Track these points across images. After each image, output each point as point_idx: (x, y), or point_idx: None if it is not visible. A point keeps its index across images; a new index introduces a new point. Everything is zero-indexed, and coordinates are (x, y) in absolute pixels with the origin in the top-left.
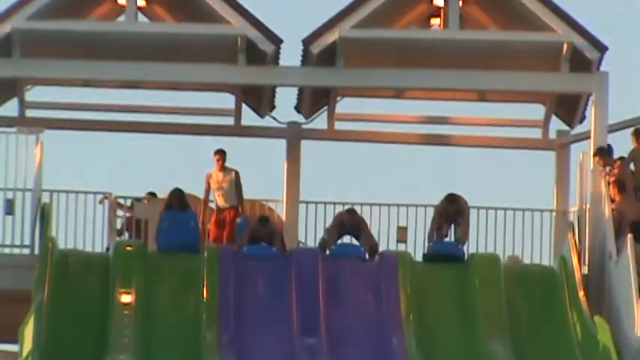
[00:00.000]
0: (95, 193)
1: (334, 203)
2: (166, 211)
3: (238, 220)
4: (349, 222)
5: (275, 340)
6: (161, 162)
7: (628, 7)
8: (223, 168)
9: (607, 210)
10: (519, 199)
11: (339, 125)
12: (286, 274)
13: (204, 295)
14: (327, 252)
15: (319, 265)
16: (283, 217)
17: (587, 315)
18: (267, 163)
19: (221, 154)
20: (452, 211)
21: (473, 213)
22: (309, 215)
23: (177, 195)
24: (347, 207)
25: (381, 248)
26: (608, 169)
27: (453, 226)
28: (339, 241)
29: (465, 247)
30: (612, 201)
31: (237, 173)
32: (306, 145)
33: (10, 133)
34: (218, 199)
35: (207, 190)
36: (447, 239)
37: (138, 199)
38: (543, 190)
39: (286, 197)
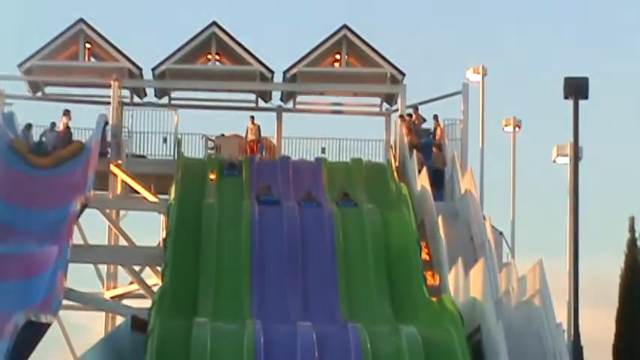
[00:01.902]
0: (197, 134)
1: (299, 138)
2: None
3: (259, 144)
4: None
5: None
6: (226, 122)
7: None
8: (253, 123)
9: (405, 140)
10: (368, 137)
11: (298, 106)
12: (282, 172)
13: (243, 175)
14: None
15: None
16: (275, 144)
17: (397, 183)
18: (270, 123)
19: (252, 118)
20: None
21: (344, 143)
22: (287, 144)
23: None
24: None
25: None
26: (404, 125)
27: None
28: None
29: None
30: (407, 136)
31: (259, 126)
32: (285, 116)
33: (163, 110)
34: (250, 136)
35: (247, 133)
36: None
37: (217, 137)
38: (379, 134)
39: (276, 136)
